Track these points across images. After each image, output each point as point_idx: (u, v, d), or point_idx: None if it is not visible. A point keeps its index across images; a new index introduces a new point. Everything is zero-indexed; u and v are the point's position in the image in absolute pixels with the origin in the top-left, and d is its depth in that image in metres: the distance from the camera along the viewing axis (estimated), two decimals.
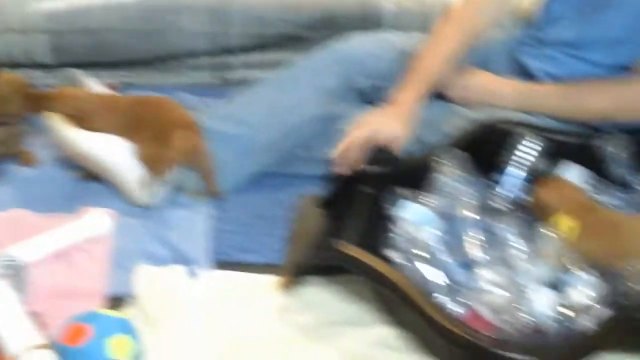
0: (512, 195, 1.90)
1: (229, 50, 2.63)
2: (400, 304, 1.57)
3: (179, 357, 1.64)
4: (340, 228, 1.80)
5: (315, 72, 2.16)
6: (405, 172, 1.92)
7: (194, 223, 1.98)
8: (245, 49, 2.63)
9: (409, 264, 1.68)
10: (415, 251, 1.70)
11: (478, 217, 1.78)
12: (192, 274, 1.83)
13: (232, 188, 2.11)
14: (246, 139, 2.08)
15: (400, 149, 1.92)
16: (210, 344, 1.67)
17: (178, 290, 1.79)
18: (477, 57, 2.17)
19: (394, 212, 1.82)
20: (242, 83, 2.39)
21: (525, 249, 1.69)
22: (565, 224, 1.74)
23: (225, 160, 2.06)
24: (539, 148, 1.91)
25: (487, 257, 1.72)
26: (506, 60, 2.20)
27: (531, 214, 1.84)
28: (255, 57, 2.65)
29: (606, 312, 1.56)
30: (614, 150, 1.96)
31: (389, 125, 1.96)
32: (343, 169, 1.95)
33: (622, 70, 2.03)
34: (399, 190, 1.85)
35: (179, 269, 1.83)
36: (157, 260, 1.85)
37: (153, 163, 1.99)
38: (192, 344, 1.67)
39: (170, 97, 2.18)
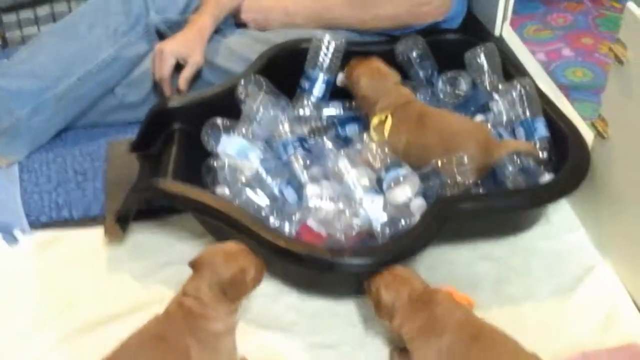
0: (319, 96, 1.94)
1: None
2: (233, 232, 1.56)
3: (11, 328, 1.56)
4: (159, 168, 1.76)
5: (100, 14, 2.06)
6: (214, 104, 1.90)
7: (3, 188, 1.88)
8: (16, 7, 2.44)
9: (238, 195, 1.67)
10: (241, 179, 1.69)
11: (294, 136, 1.80)
12: (12, 240, 1.75)
13: (38, 146, 2.01)
14: (39, 92, 1.96)
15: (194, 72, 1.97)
16: (42, 309, 1.61)
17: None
18: None
19: (214, 147, 1.80)
20: (25, 42, 2.28)
21: (345, 158, 1.71)
22: (378, 117, 1.79)
23: (23, 117, 1.94)
24: (335, 44, 1.94)
25: (312, 174, 1.75)
26: None
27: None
28: (28, 13, 2.46)
29: (425, 205, 1.63)
30: (416, 53, 2.03)
31: (187, 49, 1.97)
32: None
33: None
34: (214, 122, 1.83)
35: None
36: None
37: None
38: (23, 311, 1.60)
39: None
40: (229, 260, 1.38)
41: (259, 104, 1.83)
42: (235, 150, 1.75)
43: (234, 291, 1.37)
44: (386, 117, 1.77)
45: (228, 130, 1.82)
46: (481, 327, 1.40)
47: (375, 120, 1.78)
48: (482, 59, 1.97)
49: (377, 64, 1.88)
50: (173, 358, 1.34)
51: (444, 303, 1.42)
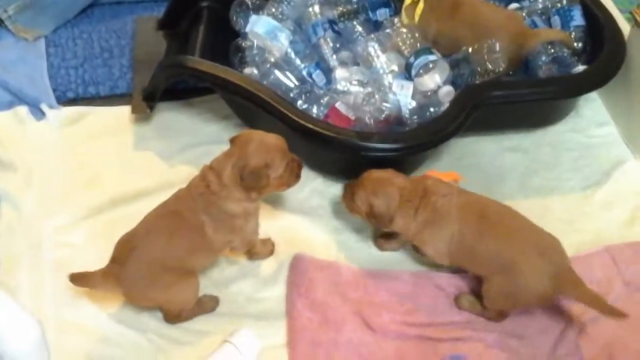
0: None
1: None
2: (259, 112, 1.55)
3: (40, 198, 1.58)
4: (186, 46, 1.74)
5: None
6: None
7: (30, 62, 1.87)
8: None
9: (266, 76, 1.65)
10: (270, 60, 1.67)
11: (324, 18, 1.75)
12: (39, 114, 1.75)
13: (64, 21, 1.98)
14: None
15: None
16: (70, 181, 1.62)
17: (27, 132, 1.71)
18: None
19: (243, 27, 1.77)
20: None
21: (375, 43, 1.68)
22: None
23: None
24: None
25: (341, 57, 1.72)
26: None
27: None
28: None
29: (453, 93, 1.61)
30: None
31: None
32: None
33: None
34: (243, 0, 1.79)
35: (23, 110, 1.74)
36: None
37: None
38: (51, 183, 1.61)
39: None
40: (260, 150, 1.35)
41: None
42: (264, 30, 1.71)
43: (250, 181, 1.34)
44: (419, 1, 1.72)
45: (257, 9, 1.79)
46: (484, 204, 1.40)
47: (407, 1, 1.74)
48: None
49: None
50: (187, 232, 1.35)
51: (438, 190, 1.40)
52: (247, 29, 1.74)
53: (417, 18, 1.73)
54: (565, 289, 1.32)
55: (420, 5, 1.72)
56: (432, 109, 1.61)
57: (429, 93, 1.63)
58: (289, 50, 1.70)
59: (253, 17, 1.75)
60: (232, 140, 1.38)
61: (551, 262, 1.32)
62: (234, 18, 1.80)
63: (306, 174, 1.62)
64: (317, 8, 1.77)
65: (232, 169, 1.34)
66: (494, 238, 1.36)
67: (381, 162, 1.51)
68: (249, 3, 1.79)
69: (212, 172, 1.36)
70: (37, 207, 1.57)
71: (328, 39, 1.74)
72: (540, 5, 1.81)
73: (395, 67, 1.66)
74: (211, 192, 1.35)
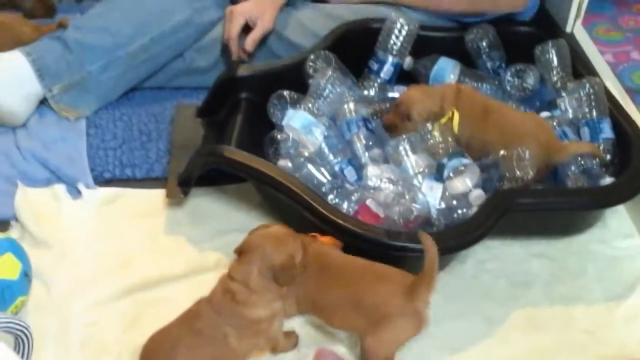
0: (387, 78, 1.97)
1: None
2: (290, 204, 1.57)
3: (71, 276, 1.60)
4: (224, 136, 1.78)
5: None
6: (282, 76, 1.92)
7: (70, 142, 1.92)
8: None
9: (299, 169, 1.69)
10: (304, 154, 1.71)
11: (359, 116, 1.80)
12: (76, 193, 1.79)
13: (106, 103, 2.05)
14: (112, 49, 1.99)
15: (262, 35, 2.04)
16: (101, 262, 1.65)
17: (62, 210, 1.74)
18: None
19: (279, 120, 1.83)
20: None
21: (407, 143, 1.72)
22: (446, 117, 1.76)
23: (94, 72, 1.98)
24: (408, 29, 1.96)
25: (373, 155, 1.76)
26: None
27: None
28: None
29: (484, 197, 1.63)
30: (486, 43, 2.03)
31: (258, 12, 2.02)
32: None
33: None
34: (281, 94, 1.85)
35: (60, 189, 1.79)
36: (37, 182, 1.80)
37: None
38: (83, 262, 1.64)
39: None
40: (279, 245, 1.37)
41: (327, 80, 1.84)
42: (300, 124, 1.76)
43: (285, 276, 1.36)
44: (453, 113, 1.75)
45: (294, 103, 1.84)
46: (330, 257, 1.45)
47: (442, 120, 1.76)
48: (552, 55, 1.95)
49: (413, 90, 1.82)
50: (210, 347, 1.35)
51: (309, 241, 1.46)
52: (284, 122, 1.79)
53: (456, 128, 1.75)
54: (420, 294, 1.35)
55: (456, 117, 1.75)
56: (459, 211, 1.63)
57: (459, 196, 1.65)
58: (323, 145, 1.75)
59: (290, 111, 1.81)
60: (241, 250, 1.39)
61: (393, 282, 1.38)
62: (271, 110, 1.85)
63: None
64: (352, 106, 1.81)
65: (260, 274, 1.35)
66: (335, 287, 1.41)
67: (408, 261, 1.53)
68: (287, 97, 1.85)
69: (235, 283, 1.36)
70: (68, 285, 1.58)
71: (361, 136, 1.78)
72: (570, 116, 1.85)
73: (424, 168, 1.70)
74: (237, 302, 1.36)
